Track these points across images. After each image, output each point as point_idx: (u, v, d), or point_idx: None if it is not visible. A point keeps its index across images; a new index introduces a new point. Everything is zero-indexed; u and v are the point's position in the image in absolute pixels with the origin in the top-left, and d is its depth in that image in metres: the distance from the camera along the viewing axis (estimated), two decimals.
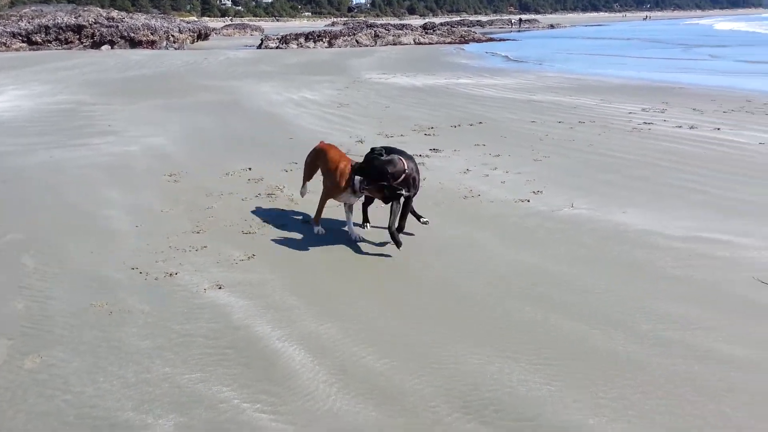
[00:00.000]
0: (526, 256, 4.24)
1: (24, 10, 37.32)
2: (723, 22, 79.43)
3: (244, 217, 5.13)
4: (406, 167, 4.24)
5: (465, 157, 7.29)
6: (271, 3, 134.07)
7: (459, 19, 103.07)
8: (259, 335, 3.19)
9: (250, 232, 4.75)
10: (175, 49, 35.90)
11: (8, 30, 33.81)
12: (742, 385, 2.72)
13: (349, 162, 4.56)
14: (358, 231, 4.73)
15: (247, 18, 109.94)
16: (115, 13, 37.83)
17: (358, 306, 3.53)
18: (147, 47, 35.38)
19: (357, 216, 4.88)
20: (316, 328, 3.26)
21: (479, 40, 42.51)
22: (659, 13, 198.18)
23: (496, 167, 6.74)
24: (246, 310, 3.47)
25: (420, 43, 38.93)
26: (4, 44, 33.17)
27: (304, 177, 5.14)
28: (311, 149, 5.07)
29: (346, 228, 4.71)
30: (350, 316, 3.41)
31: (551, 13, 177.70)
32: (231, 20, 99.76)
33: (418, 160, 7.06)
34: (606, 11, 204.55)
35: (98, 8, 38.76)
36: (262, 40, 38.66)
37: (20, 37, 33.71)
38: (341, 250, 4.42)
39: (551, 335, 3.19)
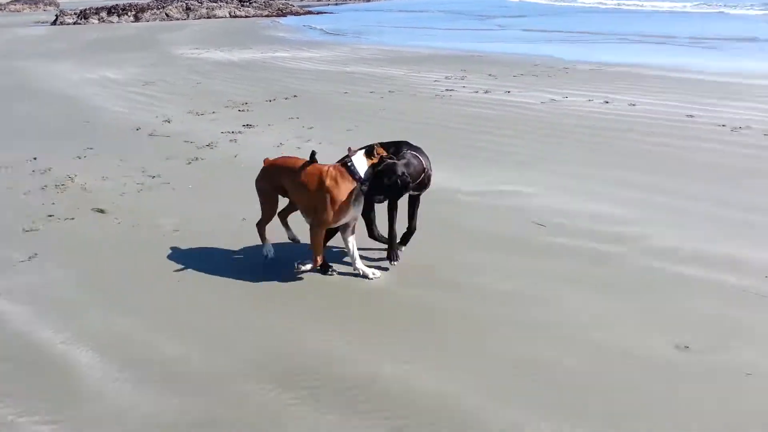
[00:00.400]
0: None
1: None
2: None
3: (26, 212, 4.59)
4: (424, 164, 3.58)
5: (279, 131, 7.22)
6: None
7: None
8: (40, 341, 2.90)
9: (32, 230, 4.27)
10: None
11: None
12: (505, 318, 3.06)
13: (336, 168, 3.47)
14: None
15: None
16: None
17: (152, 297, 3.36)
18: None
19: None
20: (105, 325, 3.04)
21: (297, 13, 42.04)
22: None
23: (310, 139, 6.77)
24: (26, 315, 3.13)
25: (236, 17, 37.53)
26: None
27: (264, 213, 3.75)
28: (259, 171, 3.82)
29: (348, 260, 3.56)
30: (145, 308, 3.24)
31: None
32: None
33: (230, 137, 6.91)
34: None
35: None
36: (57, 15, 34.59)
37: None
38: (138, 241, 4.15)
39: (359, 292, 3.30)
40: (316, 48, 17.93)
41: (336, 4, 63.19)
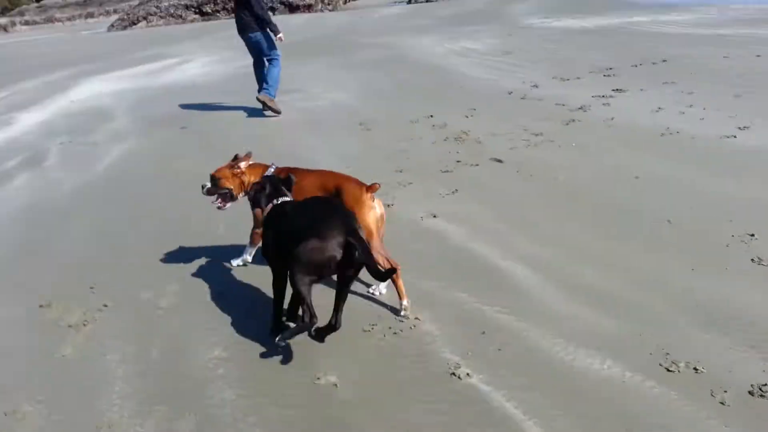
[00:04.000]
0: (728, 187, 4.15)
1: None
2: None
3: (438, 158, 5.49)
4: None
5: (653, 95, 7.01)
6: None
7: None
8: (481, 254, 3.54)
9: (447, 171, 5.10)
10: (330, 10, 37.25)
11: (182, 3, 37.31)
12: None
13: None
14: None
15: None
16: None
17: (567, 231, 3.74)
18: (304, 11, 37.09)
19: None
20: (531, 250, 3.54)
21: None
22: None
23: (692, 105, 6.42)
24: (462, 235, 3.84)
25: None
26: (181, 17, 36.74)
27: None
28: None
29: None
30: (561, 240, 3.64)
31: None
32: None
33: (602, 101, 6.99)
34: None
35: None
36: None
37: (193, 9, 37.08)
38: (536, 189, 4.60)
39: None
40: (677, 11, 16.45)
41: None
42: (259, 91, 8.09)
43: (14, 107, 10.60)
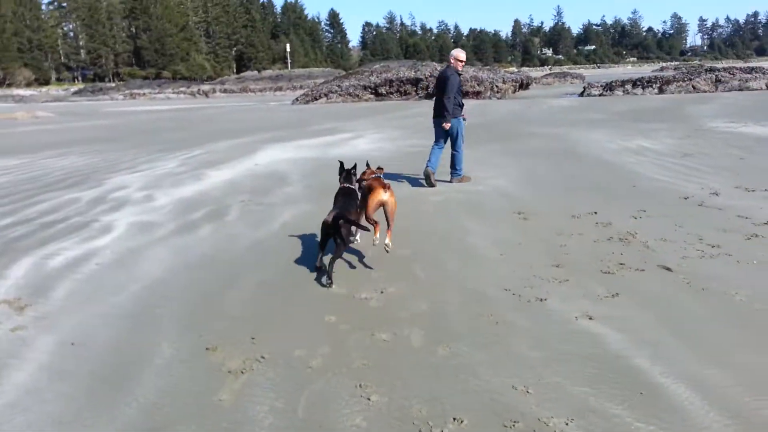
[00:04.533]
0: None
1: (374, 66, 44.32)
2: None
3: (599, 257, 5.28)
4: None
5: None
6: (593, 50, 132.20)
7: None
8: (639, 366, 3.31)
9: (609, 272, 4.89)
10: (498, 98, 38.20)
11: (361, 83, 40.62)
12: None
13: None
14: None
15: (567, 66, 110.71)
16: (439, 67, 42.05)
17: (740, 355, 3.38)
18: (473, 97, 38.40)
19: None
20: (698, 370, 3.24)
21: None
22: None
23: None
24: (620, 341, 3.62)
25: None
26: (357, 96, 39.90)
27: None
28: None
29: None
30: (732, 363, 3.29)
31: None
32: (550, 69, 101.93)
33: None
34: None
35: (434, 63, 43.75)
36: (584, 87, 38.47)
37: (369, 90, 40.14)
38: (715, 300, 4.23)
39: None
40: None
41: None
42: (429, 167, 9.25)
43: (207, 164, 12.13)
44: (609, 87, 36.52)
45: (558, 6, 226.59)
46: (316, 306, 4.39)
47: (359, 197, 5.58)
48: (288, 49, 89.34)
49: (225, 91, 65.10)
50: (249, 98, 54.81)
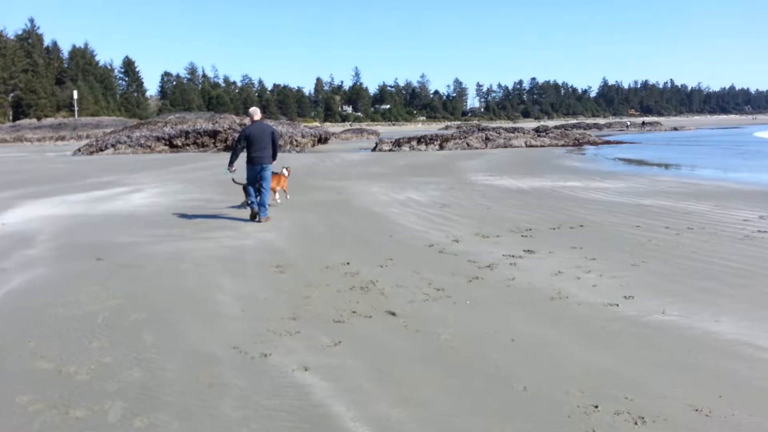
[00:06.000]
0: (602, 357, 4.22)
1: (169, 117, 42.73)
2: None
3: (336, 306, 5.52)
4: None
5: (559, 259, 7.34)
6: (388, 109, 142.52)
7: (575, 122, 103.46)
8: (336, 414, 3.46)
9: (340, 321, 5.12)
10: (297, 152, 39.11)
11: (153, 134, 38.77)
12: None
13: None
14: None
15: (366, 123, 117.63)
16: (247, 120, 42.02)
17: (429, 395, 3.70)
18: None
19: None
20: (385, 412, 3.47)
21: (594, 143, 42.32)
22: None
23: (590, 270, 6.72)
24: (325, 390, 3.77)
25: (531, 146, 39.43)
26: (150, 147, 37.94)
27: None
28: None
29: None
30: (419, 403, 3.59)
31: (675, 115, 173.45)
32: (350, 125, 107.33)
33: (510, 261, 7.27)
34: (736, 113, 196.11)
35: (233, 116, 43.44)
36: (376, 143, 41.04)
37: (163, 141, 38.45)
38: (418, 344, 4.63)
39: None
40: (610, 178, 17.77)
41: (640, 134, 61.55)
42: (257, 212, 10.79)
43: None
44: (397, 143, 39.43)
45: (356, 67, 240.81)
46: (13, 385, 3.91)
47: None
48: (75, 96, 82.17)
49: None
50: (24, 148, 48.90)
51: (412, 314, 5.29)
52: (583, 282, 6.26)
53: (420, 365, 4.21)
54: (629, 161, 26.20)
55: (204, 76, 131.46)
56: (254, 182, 10.73)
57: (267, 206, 10.76)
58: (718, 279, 6.24)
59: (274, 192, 12.33)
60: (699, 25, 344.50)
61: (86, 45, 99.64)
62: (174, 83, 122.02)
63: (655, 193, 13.83)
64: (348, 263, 7.27)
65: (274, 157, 10.80)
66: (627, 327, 4.87)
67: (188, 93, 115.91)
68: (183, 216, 11.39)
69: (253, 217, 10.72)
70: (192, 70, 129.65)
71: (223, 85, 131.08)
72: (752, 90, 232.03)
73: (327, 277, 6.62)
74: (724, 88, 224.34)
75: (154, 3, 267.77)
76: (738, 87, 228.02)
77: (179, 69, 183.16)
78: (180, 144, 38.84)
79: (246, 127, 10.93)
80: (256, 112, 11.19)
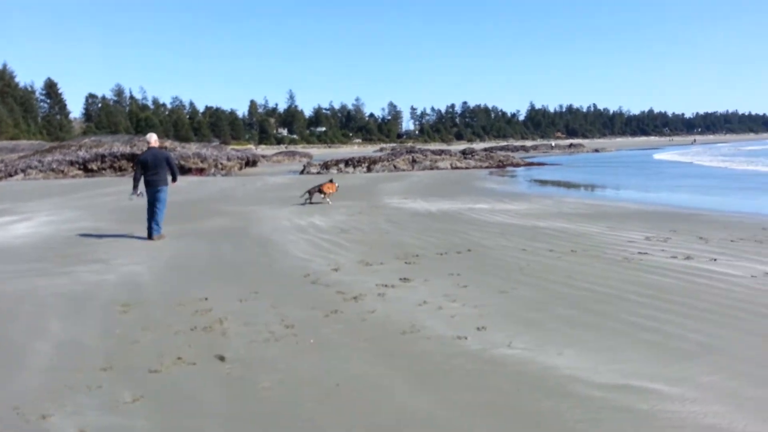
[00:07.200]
0: (422, 401, 3.87)
1: (84, 140, 40.84)
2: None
3: (165, 353, 4.97)
4: None
5: (432, 287, 7.04)
6: (324, 131, 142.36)
7: (504, 144, 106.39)
8: None
9: (156, 371, 4.58)
10: (223, 175, 38.02)
11: (67, 158, 36.86)
12: None
13: None
14: None
15: (301, 145, 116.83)
16: (168, 143, 40.80)
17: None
18: (196, 174, 37.64)
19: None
20: None
21: (517, 165, 43.32)
22: (711, 137, 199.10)
23: (456, 299, 6.44)
24: None
25: (457, 168, 39.91)
26: (62, 171, 36.03)
27: None
28: None
29: None
30: None
31: (599, 137, 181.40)
32: (286, 147, 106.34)
33: (380, 291, 6.92)
34: (655, 135, 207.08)
35: (155, 137, 41.88)
36: (304, 166, 40.52)
37: (77, 165, 36.60)
38: (229, 394, 4.16)
39: None
40: (519, 200, 17.93)
41: (562, 155, 63.73)
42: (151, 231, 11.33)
43: None
44: (325, 166, 39.05)
45: (290, 90, 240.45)
46: None
47: None
48: None
49: None
50: None
51: (243, 358, 4.82)
52: (443, 312, 5.96)
53: (220, 422, 3.73)
54: (544, 182, 26.79)
55: (132, 97, 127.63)
56: (152, 203, 11.33)
57: (161, 225, 11.39)
58: (579, 306, 6.08)
59: (325, 194, 17.81)
60: (619, 52, 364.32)
61: (5, 66, 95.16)
62: (100, 105, 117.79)
63: (555, 215, 13.94)
64: (206, 299, 6.72)
65: (174, 179, 11.57)
66: (465, 363, 4.56)
67: (115, 115, 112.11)
68: (57, 247, 10.51)
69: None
70: (119, 92, 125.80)
71: (152, 107, 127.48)
72: (669, 113, 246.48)
73: (173, 317, 6.06)
74: (644, 111, 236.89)
75: (77, 24, 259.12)
76: (656, 110, 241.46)
77: (105, 91, 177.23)
78: (95, 168, 37.08)
79: (141, 153, 11.72)
80: (151, 138, 11.82)
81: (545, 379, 4.19)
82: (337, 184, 18.40)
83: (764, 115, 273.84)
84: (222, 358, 4.81)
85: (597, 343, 4.92)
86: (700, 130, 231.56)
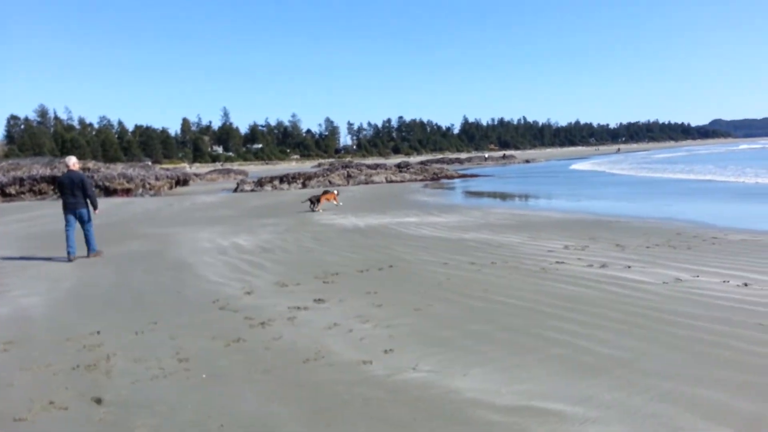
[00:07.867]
0: None
1: (1, 164, 38.51)
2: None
3: (34, 396, 4.45)
4: None
5: (345, 308, 6.75)
6: (261, 148, 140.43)
7: (440, 156, 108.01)
8: None
9: (21, 419, 4.06)
10: (151, 195, 36.57)
11: None
12: None
13: None
14: None
15: (238, 162, 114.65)
16: (91, 164, 39.13)
17: None
18: (122, 195, 36.08)
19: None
20: None
21: (451, 177, 43.85)
22: (634, 145, 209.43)
23: (369, 320, 6.17)
24: None
25: (392, 182, 39.97)
26: None
27: None
28: None
29: None
30: None
31: (530, 148, 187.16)
32: (222, 165, 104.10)
33: (290, 314, 6.57)
34: (582, 145, 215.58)
35: (73, 159, 39.98)
36: (238, 184, 39.54)
37: None
38: None
39: None
40: (447, 212, 17.95)
41: (495, 167, 65.00)
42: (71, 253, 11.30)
43: None
44: (260, 183, 38.27)
45: (224, 107, 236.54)
46: None
47: None
48: None
49: None
50: None
51: (123, 400, 4.35)
52: (353, 335, 5.67)
53: None
54: (474, 194, 27.11)
55: (56, 118, 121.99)
56: (76, 224, 11.40)
57: (93, 243, 11.55)
58: (493, 321, 5.93)
59: (329, 201, 21.00)
60: (546, 65, 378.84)
61: None
62: (23, 127, 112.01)
63: (481, 227, 13.98)
64: (98, 332, 6.17)
65: (93, 204, 11.46)
66: (366, 392, 4.27)
67: (38, 137, 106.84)
68: None
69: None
70: (42, 113, 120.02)
71: (78, 127, 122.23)
72: (595, 124, 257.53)
73: (57, 354, 5.50)
74: (571, 123, 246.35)
75: None
76: (582, 122, 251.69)
77: (28, 111, 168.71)
78: (14, 192, 34.94)
79: (59, 176, 12.16)
80: (70, 161, 11.74)
81: (446, 404, 3.95)
82: (336, 192, 22.28)
83: (682, 123, 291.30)
84: (99, 401, 4.34)
85: (504, 362, 4.75)
86: (624, 139, 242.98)
